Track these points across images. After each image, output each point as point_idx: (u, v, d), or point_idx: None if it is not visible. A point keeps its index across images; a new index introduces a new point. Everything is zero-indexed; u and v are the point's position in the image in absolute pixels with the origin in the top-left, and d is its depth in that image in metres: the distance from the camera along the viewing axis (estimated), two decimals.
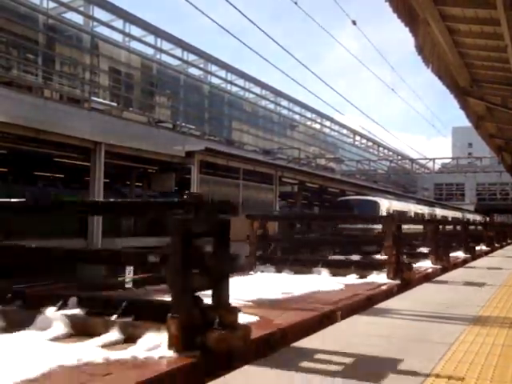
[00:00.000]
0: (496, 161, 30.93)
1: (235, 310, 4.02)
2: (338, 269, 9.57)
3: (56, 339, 4.12)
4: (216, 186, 21.84)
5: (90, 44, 25.09)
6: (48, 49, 22.99)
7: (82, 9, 24.78)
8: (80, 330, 4.23)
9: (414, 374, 3.56)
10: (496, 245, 25.08)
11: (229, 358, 3.76)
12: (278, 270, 9.99)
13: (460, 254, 16.75)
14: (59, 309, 4.53)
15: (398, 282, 8.59)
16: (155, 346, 3.80)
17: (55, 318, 4.38)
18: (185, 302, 3.81)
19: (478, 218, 51.28)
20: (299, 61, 15.88)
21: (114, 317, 4.22)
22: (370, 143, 61.38)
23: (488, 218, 46.46)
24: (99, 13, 25.49)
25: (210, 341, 3.72)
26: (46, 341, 4.04)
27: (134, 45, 28.36)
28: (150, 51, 30.05)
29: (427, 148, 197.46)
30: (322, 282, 8.35)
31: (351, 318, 5.64)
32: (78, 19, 24.91)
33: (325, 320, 5.39)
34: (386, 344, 4.44)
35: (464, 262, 14.78)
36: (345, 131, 56.53)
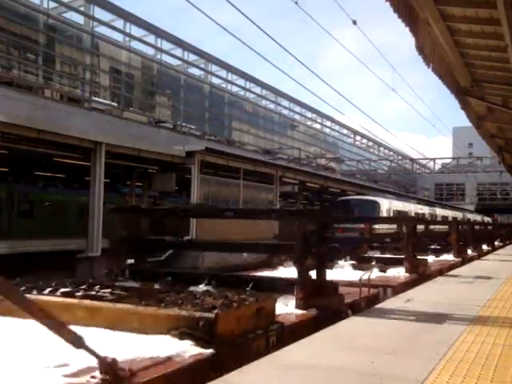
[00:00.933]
0: (496, 161, 30.91)
1: (332, 284, 5.97)
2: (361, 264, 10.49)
3: None
4: (216, 185, 21.85)
5: (91, 44, 25.11)
6: (48, 49, 23.01)
7: (82, 9, 24.79)
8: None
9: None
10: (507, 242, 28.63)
11: (334, 313, 5.71)
12: None
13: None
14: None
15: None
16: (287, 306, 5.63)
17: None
18: (304, 277, 5.65)
19: (478, 217, 51.27)
20: (298, 60, 15.87)
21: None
22: (370, 143, 61.39)
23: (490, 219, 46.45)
24: (99, 13, 25.53)
25: (321, 303, 5.61)
26: None
27: (135, 45, 28.40)
28: (150, 51, 30.09)
29: (427, 147, 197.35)
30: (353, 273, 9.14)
31: (351, 319, 5.66)
32: (78, 19, 24.95)
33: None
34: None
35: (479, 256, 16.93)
36: (345, 131, 56.55)
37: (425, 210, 40.50)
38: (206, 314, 3.95)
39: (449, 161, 51.73)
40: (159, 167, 21.40)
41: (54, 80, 23.01)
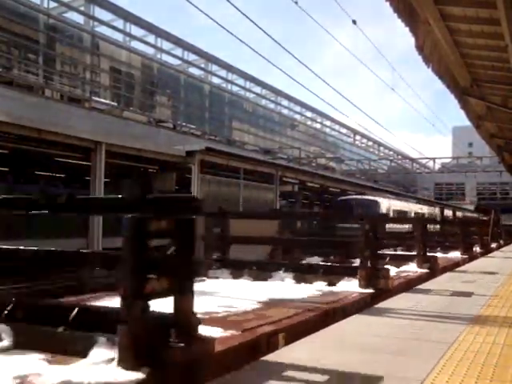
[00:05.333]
0: (496, 160, 30.92)
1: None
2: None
3: None
4: (216, 185, 21.86)
5: (91, 44, 25.11)
6: (49, 48, 23.01)
7: (82, 8, 24.80)
8: None
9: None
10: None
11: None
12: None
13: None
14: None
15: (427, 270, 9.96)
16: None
17: None
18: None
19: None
20: (297, 58, 15.87)
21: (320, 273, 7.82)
22: (370, 143, 61.37)
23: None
24: (100, 12, 25.53)
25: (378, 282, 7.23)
26: None
27: (135, 44, 28.39)
28: (150, 51, 30.08)
29: (426, 147, 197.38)
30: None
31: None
32: (78, 19, 24.95)
33: None
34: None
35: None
36: (345, 131, 56.53)
37: (424, 209, 40.53)
38: None
39: (449, 160, 51.77)
40: (159, 167, 21.41)
41: (54, 80, 23.02)
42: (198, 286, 7.44)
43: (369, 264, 7.55)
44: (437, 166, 51.21)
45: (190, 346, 3.33)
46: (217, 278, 8.37)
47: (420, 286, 8.40)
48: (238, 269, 8.63)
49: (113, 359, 3.30)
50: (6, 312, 4.11)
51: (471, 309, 6.26)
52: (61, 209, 4.48)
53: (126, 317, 3.16)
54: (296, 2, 13.79)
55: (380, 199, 31.41)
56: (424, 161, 46.62)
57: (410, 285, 8.60)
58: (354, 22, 16.10)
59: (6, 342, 3.73)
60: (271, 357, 4.01)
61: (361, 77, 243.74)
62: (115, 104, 26.03)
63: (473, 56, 8.91)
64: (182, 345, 3.33)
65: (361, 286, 7.39)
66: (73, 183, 23.03)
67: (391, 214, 31.52)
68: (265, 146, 39.75)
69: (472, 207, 61.83)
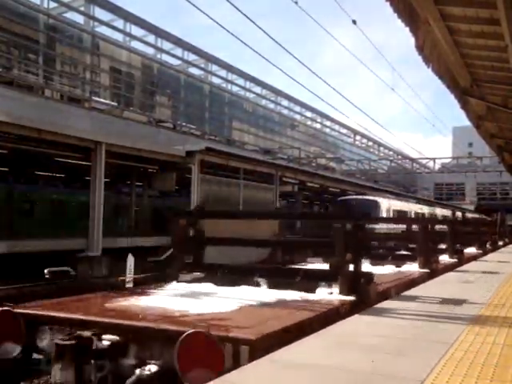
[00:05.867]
0: (496, 160, 30.94)
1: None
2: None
3: None
4: (216, 185, 21.86)
5: (91, 44, 25.12)
6: (49, 48, 23.02)
7: (82, 9, 24.81)
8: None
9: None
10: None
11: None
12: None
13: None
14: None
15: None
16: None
17: None
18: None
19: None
20: (297, 58, 15.88)
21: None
22: (370, 143, 61.41)
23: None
24: (100, 13, 25.54)
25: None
26: None
27: (135, 44, 28.41)
28: (150, 51, 30.09)
29: (426, 147, 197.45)
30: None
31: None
32: (78, 19, 24.96)
33: None
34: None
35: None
36: (345, 131, 56.56)
37: (424, 209, 40.55)
38: None
39: (449, 160, 51.79)
40: (159, 167, 21.42)
41: (54, 80, 23.03)
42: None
43: (424, 253, 10.61)
44: (437, 166, 51.27)
45: (369, 285, 6.70)
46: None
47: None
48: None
49: (331, 293, 6.61)
50: (265, 272, 7.72)
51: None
52: None
53: (342, 272, 6.55)
54: (296, 2, 13.81)
55: (380, 199, 31.42)
56: (424, 161, 46.63)
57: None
58: (354, 22, 16.12)
59: (265, 286, 7.19)
60: (267, 357, 4.01)
61: (361, 77, 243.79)
62: (115, 104, 26.05)
63: (473, 56, 8.91)
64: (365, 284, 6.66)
65: (420, 267, 10.49)
66: (73, 183, 23.05)
67: (391, 214, 31.55)
68: (265, 146, 39.78)
69: (472, 207, 61.85)
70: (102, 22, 25.65)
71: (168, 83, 31.38)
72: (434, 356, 4.04)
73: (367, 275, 7.05)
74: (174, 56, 31.43)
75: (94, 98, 24.31)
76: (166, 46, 30.60)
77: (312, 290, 6.90)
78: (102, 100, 25.06)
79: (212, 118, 35.66)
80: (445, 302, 6.72)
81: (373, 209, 30.02)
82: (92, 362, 4.29)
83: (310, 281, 7.27)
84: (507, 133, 14.60)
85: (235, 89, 38.51)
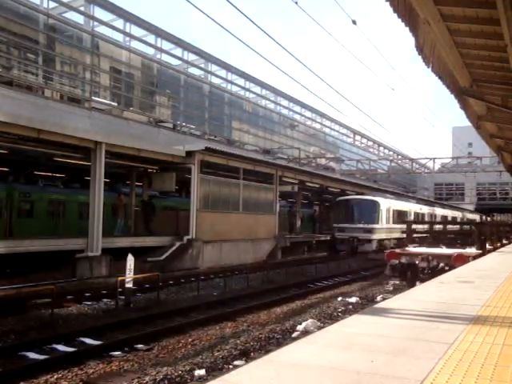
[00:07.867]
0: (496, 160, 30.95)
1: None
2: None
3: None
4: (216, 185, 21.86)
5: (91, 44, 25.10)
6: (48, 48, 22.99)
7: (82, 8, 24.77)
8: None
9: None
10: None
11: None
12: None
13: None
14: None
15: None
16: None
17: None
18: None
19: (477, 217, 51.15)
20: (297, 58, 15.87)
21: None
22: (370, 143, 61.38)
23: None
24: (100, 12, 25.50)
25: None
26: None
27: (135, 44, 28.36)
28: (150, 51, 30.05)
29: (426, 147, 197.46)
30: None
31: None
32: (78, 19, 24.91)
33: None
34: None
35: None
36: (345, 131, 56.52)
37: (424, 209, 40.55)
38: None
39: (448, 160, 51.71)
40: (159, 167, 21.43)
41: (54, 80, 23.01)
42: None
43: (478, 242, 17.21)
44: (436, 166, 51.25)
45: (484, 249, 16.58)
46: None
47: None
48: None
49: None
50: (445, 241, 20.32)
51: None
52: None
53: (478, 243, 17.09)
54: (296, 2, 13.78)
55: (380, 199, 31.43)
56: (424, 161, 46.61)
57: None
58: (354, 22, 16.08)
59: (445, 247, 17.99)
60: (266, 358, 4.01)
61: (361, 77, 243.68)
62: (115, 104, 26.03)
63: (472, 56, 8.91)
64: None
65: (476, 249, 16.29)
66: (72, 183, 23.04)
67: (391, 214, 31.56)
68: (265, 146, 39.74)
69: (472, 207, 61.82)
70: (102, 22, 25.60)
71: (168, 83, 31.34)
72: (435, 355, 4.04)
73: (484, 245, 17.11)
74: (173, 56, 31.38)
75: (93, 98, 24.29)
76: (166, 45, 30.55)
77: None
78: (101, 100, 25.04)
79: (212, 117, 35.61)
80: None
81: (373, 209, 30.04)
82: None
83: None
84: (507, 133, 14.60)
85: (235, 89, 38.45)
